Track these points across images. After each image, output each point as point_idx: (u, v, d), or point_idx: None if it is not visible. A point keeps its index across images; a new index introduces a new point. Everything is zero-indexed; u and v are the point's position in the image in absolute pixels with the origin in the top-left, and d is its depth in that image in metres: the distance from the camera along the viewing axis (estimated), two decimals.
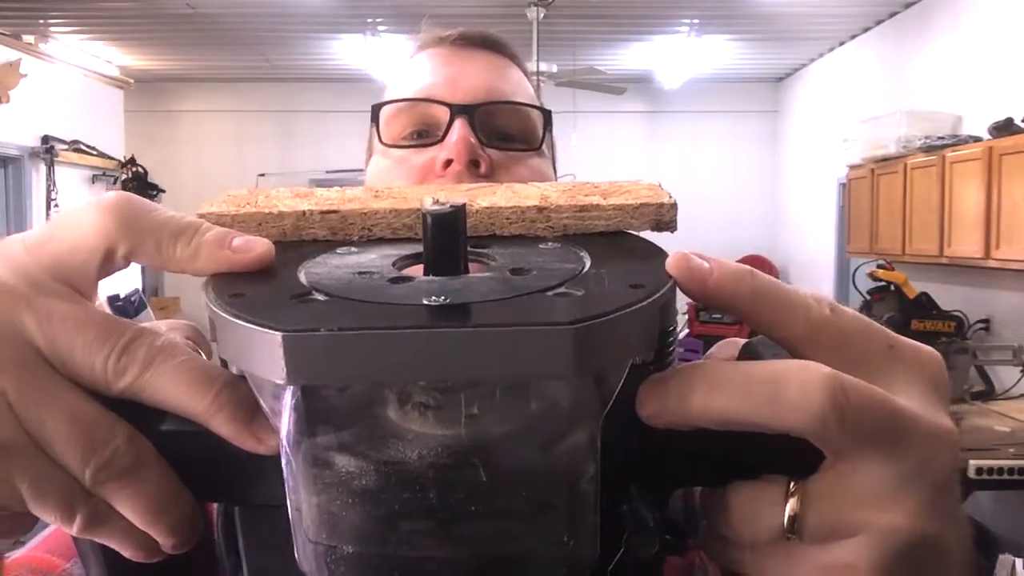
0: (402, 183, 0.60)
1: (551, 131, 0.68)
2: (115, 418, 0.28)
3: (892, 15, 5.59)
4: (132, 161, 6.01)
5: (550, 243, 0.33)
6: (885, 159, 4.89)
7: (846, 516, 0.27)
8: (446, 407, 0.28)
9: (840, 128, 5.95)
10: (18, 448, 0.27)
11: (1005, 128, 3.90)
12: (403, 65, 0.72)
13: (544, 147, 0.67)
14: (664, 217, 0.34)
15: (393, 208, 0.35)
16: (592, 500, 0.29)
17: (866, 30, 6.02)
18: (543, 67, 5.23)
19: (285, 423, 0.28)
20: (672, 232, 0.35)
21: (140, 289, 6.01)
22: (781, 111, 7.90)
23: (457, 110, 0.63)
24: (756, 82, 7.86)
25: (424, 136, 0.65)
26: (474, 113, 0.63)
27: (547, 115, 0.68)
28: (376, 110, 0.67)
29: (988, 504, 4.47)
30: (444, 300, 0.26)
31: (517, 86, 0.69)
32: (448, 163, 0.61)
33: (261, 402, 0.29)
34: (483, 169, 0.62)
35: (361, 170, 0.75)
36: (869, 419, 0.26)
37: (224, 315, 0.27)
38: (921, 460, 0.27)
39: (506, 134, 0.66)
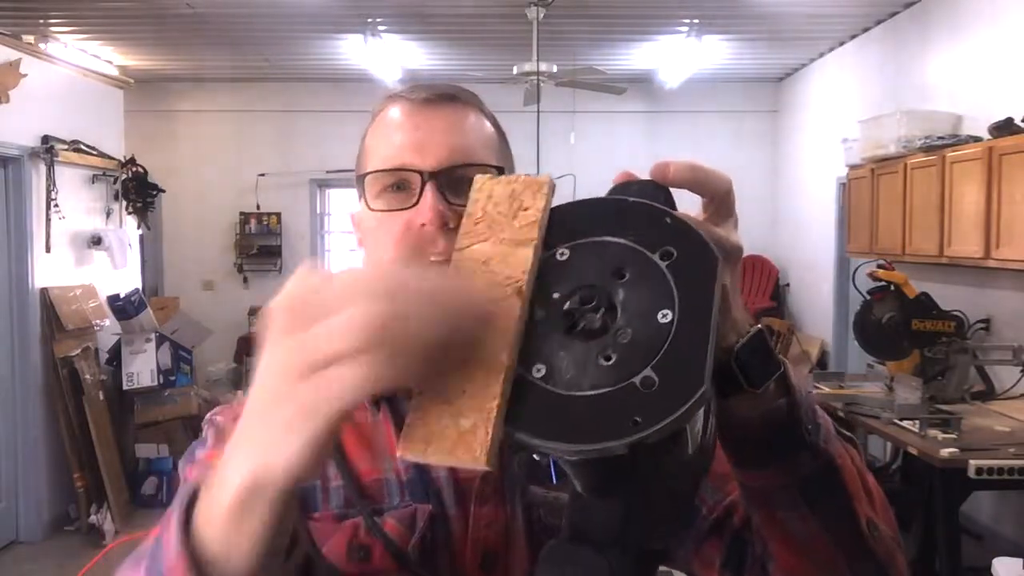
0: (388, 235, 0.78)
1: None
2: None
3: (892, 15, 5.59)
4: (132, 161, 6.00)
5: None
6: (885, 159, 4.89)
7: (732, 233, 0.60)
8: None
9: (840, 128, 5.95)
10: None
11: (1005, 128, 3.90)
12: (380, 115, 0.84)
13: None
14: None
15: None
16: None
17: (866, 30, 6.02)
18: (543, 67, 5.23)
19: None
20: None
21: (140, 289, 6.02)
22: (781, 111, 7.90)
23: (427, 176, 0.77)
24: (756, 82, 7.85)
25: (401, 189, 0.79)
26: (440, 177, 0.77)
27: (500, 170, 0.81)
28: (361, 179, 0.81)
29: (988, 504, 4.47)
30: None
31: (478, 136, 0.82)
32: (423, 225, 0.76)
33: None
34: (451, 225, 0.75)
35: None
36: (731, 200, 0.60)
37: None
38: (734, 222, 0.60)
39: (469, 181, 0.78)
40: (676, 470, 0.51)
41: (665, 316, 0.47)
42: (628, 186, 0.56)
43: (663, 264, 0.49)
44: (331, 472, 0.78)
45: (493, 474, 0.77)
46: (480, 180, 0.57)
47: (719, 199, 0.58)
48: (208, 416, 0.84)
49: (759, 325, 0.59)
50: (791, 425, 0.61)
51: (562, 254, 0.51)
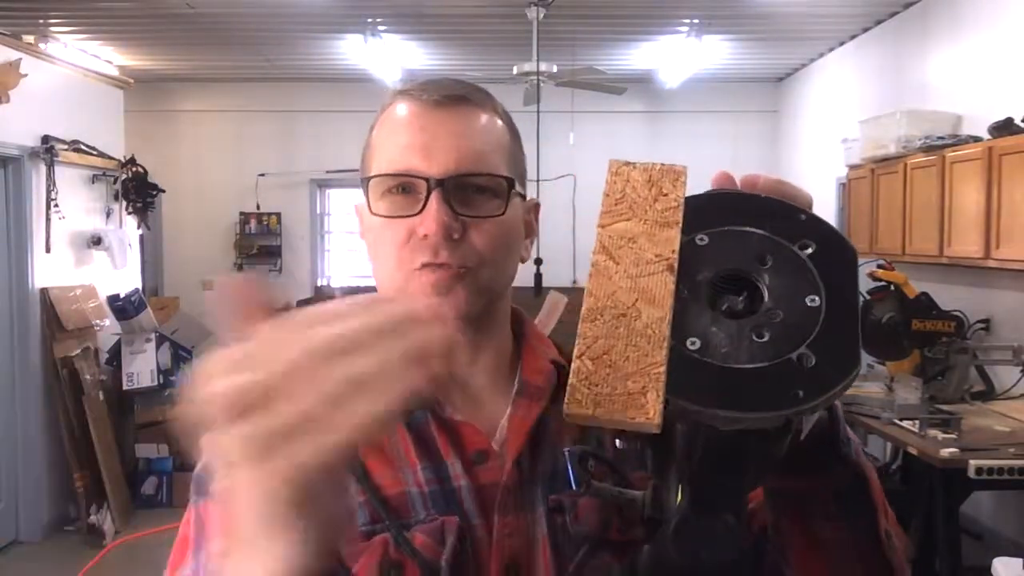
0: (390, 240, 0.77)
1: (515, 189, 0.80)
2: None
3: (892, 15, 5.59)
4: (132, 161, 6.00)
5: None
6: (885, 159, 4.89)
7: None
8: None
9: (840, 128, 5.95)
10: None
11: (1005, 128, 3.90)
12: (388, 111, 0.81)
13: (509, 207, 0.79)
14: None
15: None
16: None
17: (866, 30, 6.02)
18: (543, 67, 5.22)
19: None
20: None
21: (140, 289, 6.01)
22: (781, 111, 7.90)
23: (433, 184, 0.75)
24: (756, 82, 7.85)
25: (407, 192, 0.77)
26: (447, 185, 0.75)
27: (509, 181, 0.79)
28: (366, 183, 0.79)
29: (988, 504, 4.47)
30: None
31: (488, 140, 0.79)
32: (426, 236, 0.74)
33: None
34: (456, 236, 0.75)
35: (359, 170, 0.86)
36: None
37: None
38: None
39: (477, 192, 0.77)
40: (776, 456, 0.54)
41: (813, 301, 0.50)
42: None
43: (803, 255, 0.53)
44: (353, 488, 0.75)
45: (514, 482, 0.76)
46: (616, 164, 0.59)
47: None
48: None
49: None
50: (831, 438, 0.63)
51: (701, 239, 0.54)
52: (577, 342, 0.49)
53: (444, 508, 0.75)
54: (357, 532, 0.74)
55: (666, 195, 0.56)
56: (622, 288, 0.51)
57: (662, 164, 0.59)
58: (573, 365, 0.49)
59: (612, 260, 0.53)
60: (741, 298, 0.51)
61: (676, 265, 0.52)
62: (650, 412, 0.46)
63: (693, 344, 0.49)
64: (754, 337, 0.49)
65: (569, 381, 0.48)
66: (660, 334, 0.49)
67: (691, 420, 0.49)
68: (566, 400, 0.47)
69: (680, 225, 0.54)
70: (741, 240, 0.54)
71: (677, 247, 0.53)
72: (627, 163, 0.59)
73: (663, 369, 0.47)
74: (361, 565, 0.72)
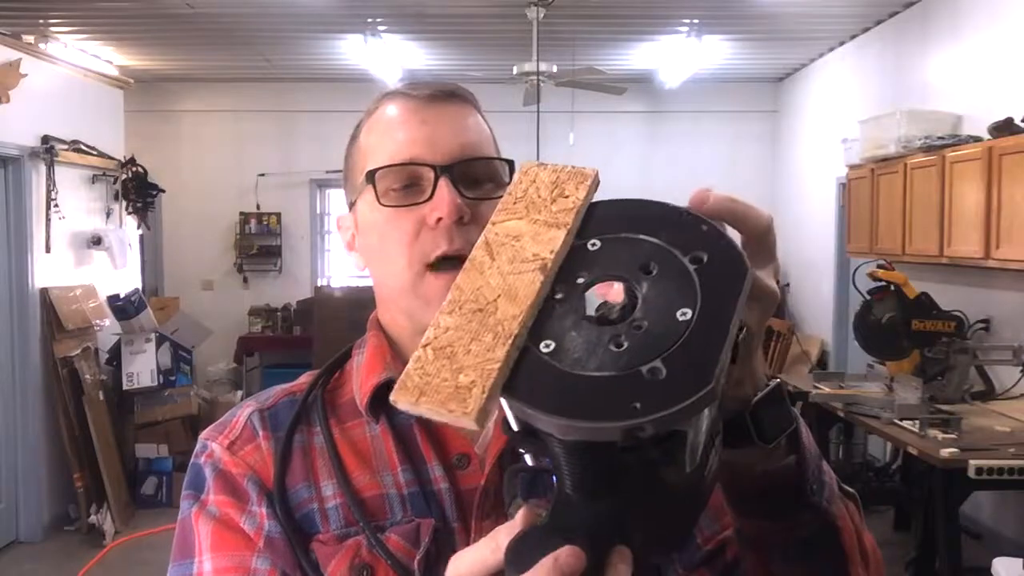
0: (399, 233, 0.77)
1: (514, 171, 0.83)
2: None
3: (892, 15, 5.59)
4: (132, 161, 6.00)
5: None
6: (885, 159, 4.88)
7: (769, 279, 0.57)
8: None
9: (840, 128, 5.95)
10: None
11: (1005, 128, 3.90)
12: (377, 112, 0.82)
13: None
14: None
15: None
16: None
17: (866, 30, 6.02)
18: (543, 67, 5.22)
19: None
20: None
21: (140, 289, 6.02)
22: (781, 111, 7.90)
23: (440, 171, 0.75)
24: (756, 82, 7.85)
25: (411, 187, 0.77)
26: (454, 170, 0.76)
27: (511, 163, 0.80)
28: (372, 175, 0.78)
29: (988, 504, 4.47)
30: None
31: (481, 133, 0.82)
32: (439, 219, 0.75)
33: None
34: (466, 219, 0.75)
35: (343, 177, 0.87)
36: (771, 240, 0.58)
37: None
38: (775, 269, 0.58)
39: (479, 179, 0.78)
40: (672, 485, 0.50)
41: (684, 314, 0.47)
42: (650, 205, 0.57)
43: (691, 267, 0.50)
44: (327, 491, 0.75)
45: (494, 486, 0.75)
46: (527, 165, 0.59)
47: (758, 238, 0.56)
48: (201, 437, 0.80)
49: (778, 379, 0.59)
50: (797, 484, 0.61)
51: (593, 244, 0.53)
52: (427, 332, 0.48)
53: (423, 511, 0.74)
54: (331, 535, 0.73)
55: (566, 197, 0.55)
56: (489, 284, 0.50)
57: (572, 167, 0.57)
58: (415, 353, 0.47)
59: (490, 256, 0.52)
60: (618, 306, 0.49)
61: (551, 266, 0.51)
62: (469, 407, 0.44)
63: (547, 347, 0.47)
64: (611, 346, 0.47)
65: (406, 368, 0.47)
66: (508, 331, 0.47)
67: (533, 426, 0.47)
68: (396, 386, 0.46)
69: (569, 227, 0.53)
70: (632, 247, 0.52)
71: (557, 248, 0.51)
72: (539, 164, 0.58)
73: (499, 366, 0.46)
74: (333, 568, 0.72)
